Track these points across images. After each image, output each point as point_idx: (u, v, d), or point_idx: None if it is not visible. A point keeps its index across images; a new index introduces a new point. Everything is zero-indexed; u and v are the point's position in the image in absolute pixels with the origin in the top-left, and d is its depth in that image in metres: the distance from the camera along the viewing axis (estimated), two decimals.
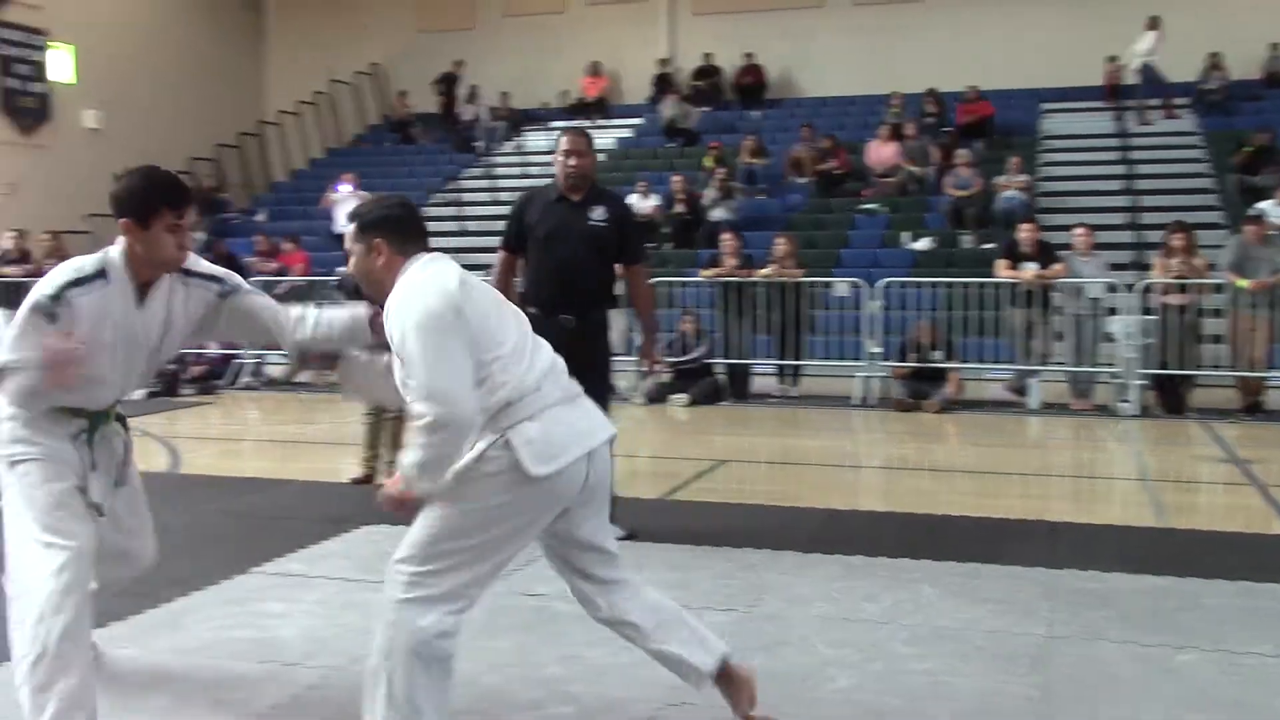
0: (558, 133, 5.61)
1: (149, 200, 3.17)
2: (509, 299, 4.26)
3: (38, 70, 19.04)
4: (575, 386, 3.11)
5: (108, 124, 19.91)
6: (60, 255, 13.72)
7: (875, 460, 8.58)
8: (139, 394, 11.66)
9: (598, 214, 5.40)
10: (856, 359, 11.23)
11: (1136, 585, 4.74)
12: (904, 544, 5.39)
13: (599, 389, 5.56)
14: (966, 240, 14.90)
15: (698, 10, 21.16)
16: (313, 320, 3.40)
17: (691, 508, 6.40)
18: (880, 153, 16.86)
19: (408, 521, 2.93)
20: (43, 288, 3.09)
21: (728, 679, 3.23)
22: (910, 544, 5.39)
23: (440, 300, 2.84)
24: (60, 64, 19.42)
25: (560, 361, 3.11)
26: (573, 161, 5.38)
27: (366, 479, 6.66)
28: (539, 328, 4.27)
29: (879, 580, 4.82)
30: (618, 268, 5.63)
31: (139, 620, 4.25)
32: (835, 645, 4.01)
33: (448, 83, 20.95)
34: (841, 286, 12.14)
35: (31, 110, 18.96)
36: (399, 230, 3.03)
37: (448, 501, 2.88)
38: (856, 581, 4.80)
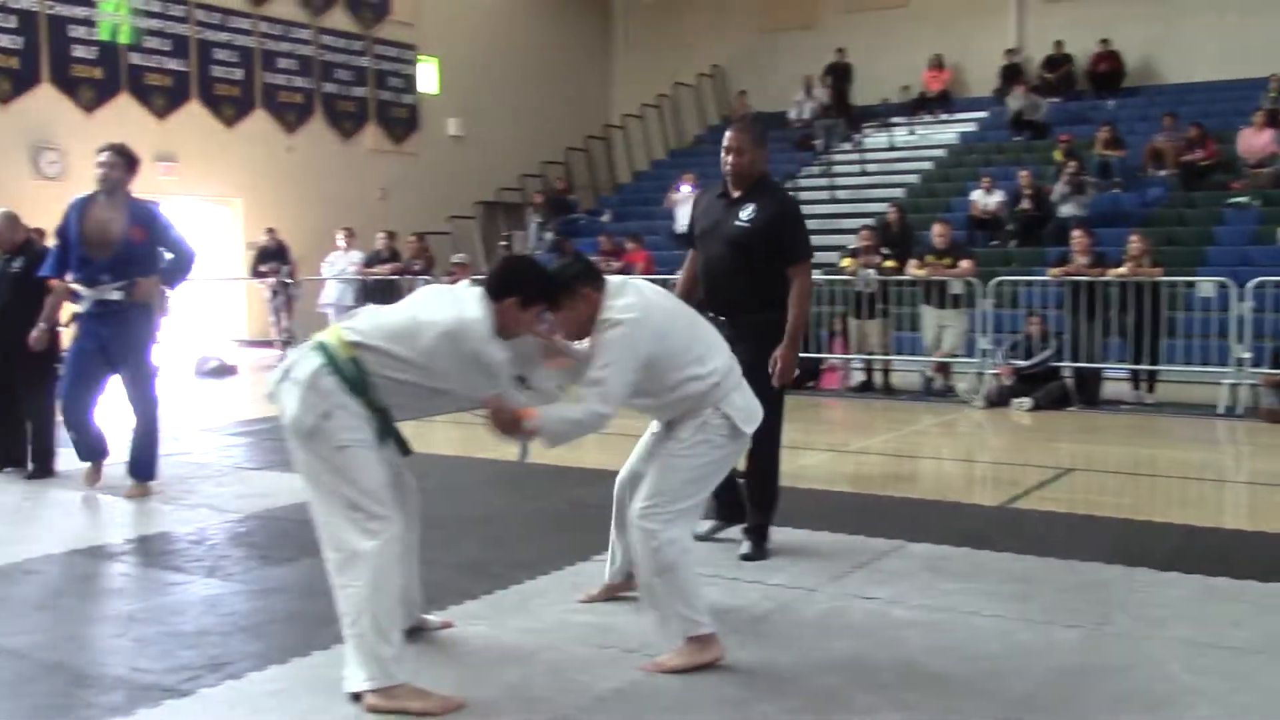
0: (727, 130, 5.36)
1: (544, 292, 3.69)
2: (688, 294, 5.26)
3: (408, 83, 20.57)
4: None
5: (468, 131, 21.24)
6: (426, 256, 14.76)
7: (1242, 475, 7.92)
8: None
9: (746, 213, 5.10)
10: (1222, 365, 10.43)
11: None
12: (1277, 567, 4.94)
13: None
14: None
15: None
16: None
17: (1034, 517, 6.12)
18: (1254, 141, 15.59)
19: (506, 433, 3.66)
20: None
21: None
22: None
23: (632, 326, 3.71)
24: (426, 76, 20.89)
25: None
26: (731, 159, 5.16)
27: None
28: None
29: (1247, 605, 4.44)
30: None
31: (491, 600, 4.50)
32: (1196, 672, 3.72)
33: (835, 74, 20.81)
34: (1206, 286, 11.30)
35: (402, 120, 20.50)
36: (592, 274, 3.84)
37: (686, 458, 3.83)
38: (1220, 605, 4.45)
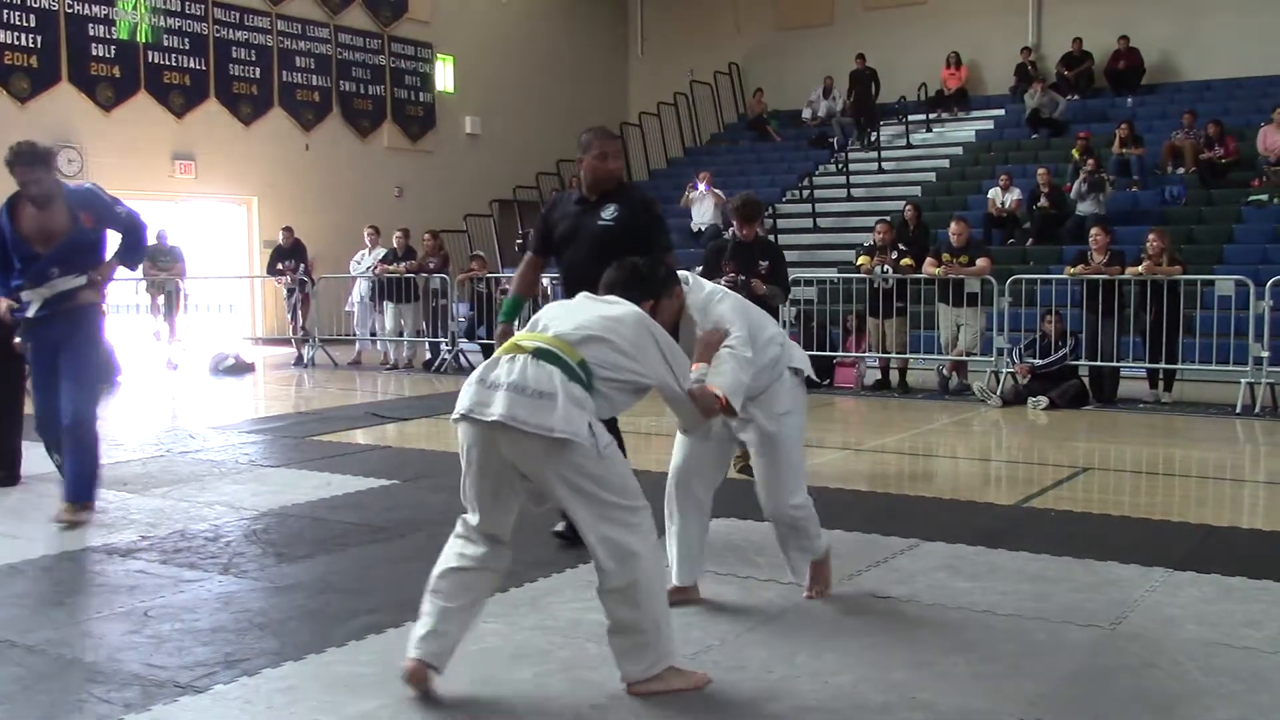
0: (594, 138, 5.34)
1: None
2: (524, 297, 5.67)
3: (425, 81, 20.61)
4: None
5: (484, 130, 21.27)
6: (441, 254, 14.77)
7: (1260, 474, 7.88)
8: None
9: (608, 213, 5.18)
10: (1240, 364, 10.37)
11: None
12: None
13: None
14: None
15: None
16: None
17: (1050, 516, 6.09)
18: (1273, 139, 15.53)
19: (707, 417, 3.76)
20: None
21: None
22: None
23: (733, 298, 4.15)
24: (442, 74, 20.93)
25: None
26: (611, 165, 5.24)
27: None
28: None
29: (1263, 605, 4.41)
30: None
31: (505, 598, 4.50)
32: (1211, 672, 3.70)
33: (859, 81, 20.52)
34: (1225, 285, 11.24)
35: (418, 119, 20.55)
36: (675, 273, 4.06)
37: (794, 430, 4.26)
38: (1237, 605, 4.43)
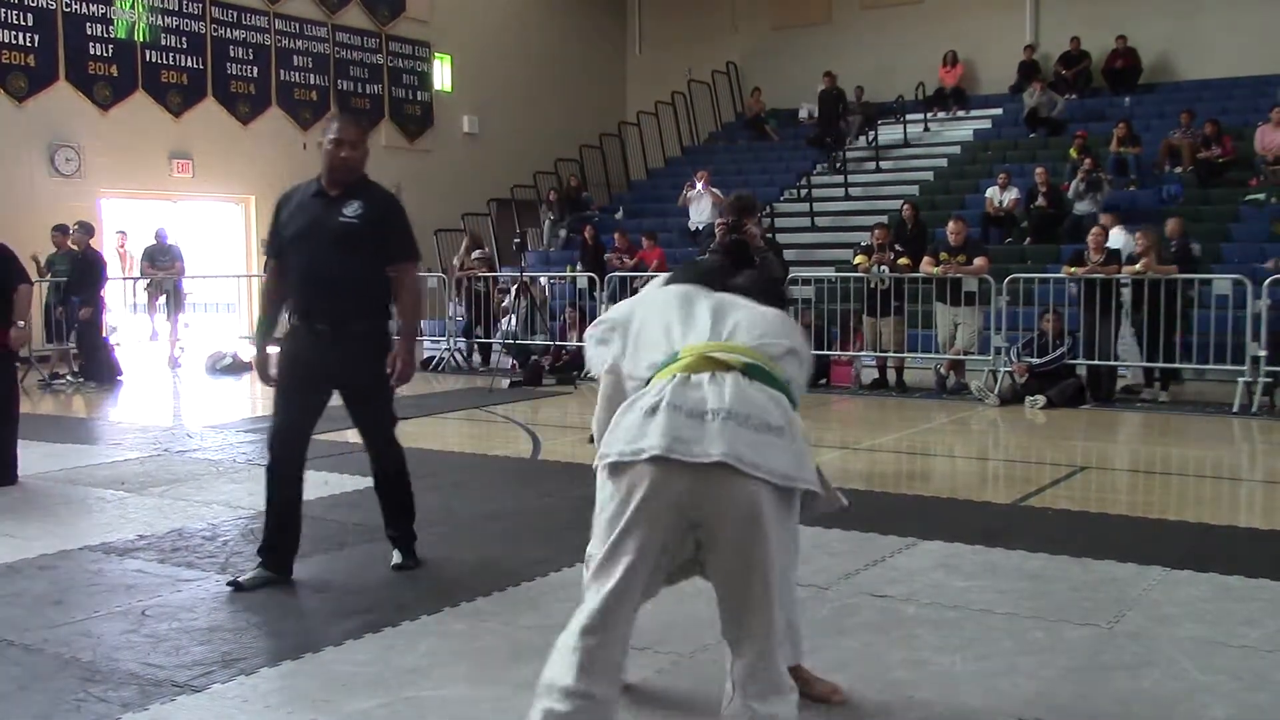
0: (333, 122, 4.87)
1: None
2: (276, 311, 5.00)
3: (422, 80, 20.60)
4: None
5: (482, 128, 21.26)
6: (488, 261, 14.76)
7: (1258, 474, 7.88)
8: (505, 383, 12.38)
9: (350, 210, 4.71)
10: (1238, 363, 10.38)
11: None
12: None
13: (373, 410, 5.02)
14: None
15: None
16: None
17: (1047, 515, 6.10)
18: (1271, 138, 15.50)
19: None
20: None
21: None
22: None
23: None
24: (440, 73, 20.92)
25: None
26: (344, 152, 4.71)
27: None
28: (300, 338, 4.67)
29: (1261, 604, 4.42)
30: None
31: (503, 597, 4.51)
32: (1209, 671, 3.71)
33: (825, 101, 20.14)
34: (1222, 284, 11.24)
35: (415, 118, 20.53)
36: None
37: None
38: (1234, 604, 4.43)
